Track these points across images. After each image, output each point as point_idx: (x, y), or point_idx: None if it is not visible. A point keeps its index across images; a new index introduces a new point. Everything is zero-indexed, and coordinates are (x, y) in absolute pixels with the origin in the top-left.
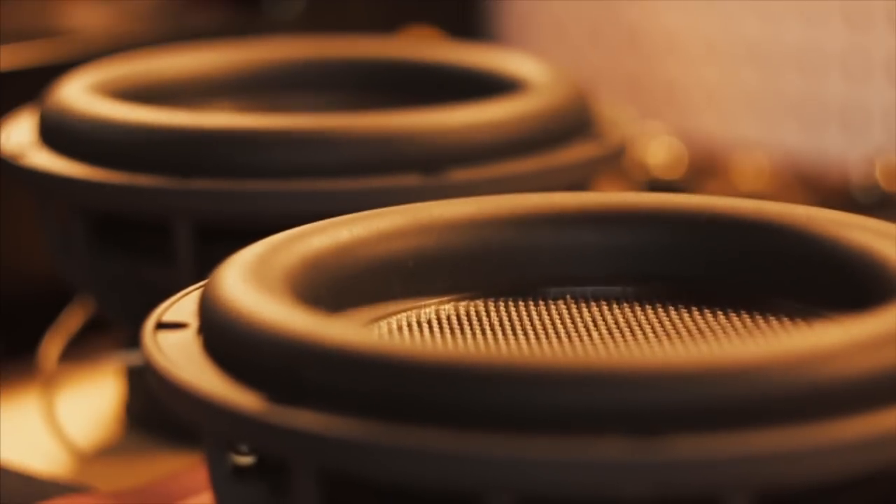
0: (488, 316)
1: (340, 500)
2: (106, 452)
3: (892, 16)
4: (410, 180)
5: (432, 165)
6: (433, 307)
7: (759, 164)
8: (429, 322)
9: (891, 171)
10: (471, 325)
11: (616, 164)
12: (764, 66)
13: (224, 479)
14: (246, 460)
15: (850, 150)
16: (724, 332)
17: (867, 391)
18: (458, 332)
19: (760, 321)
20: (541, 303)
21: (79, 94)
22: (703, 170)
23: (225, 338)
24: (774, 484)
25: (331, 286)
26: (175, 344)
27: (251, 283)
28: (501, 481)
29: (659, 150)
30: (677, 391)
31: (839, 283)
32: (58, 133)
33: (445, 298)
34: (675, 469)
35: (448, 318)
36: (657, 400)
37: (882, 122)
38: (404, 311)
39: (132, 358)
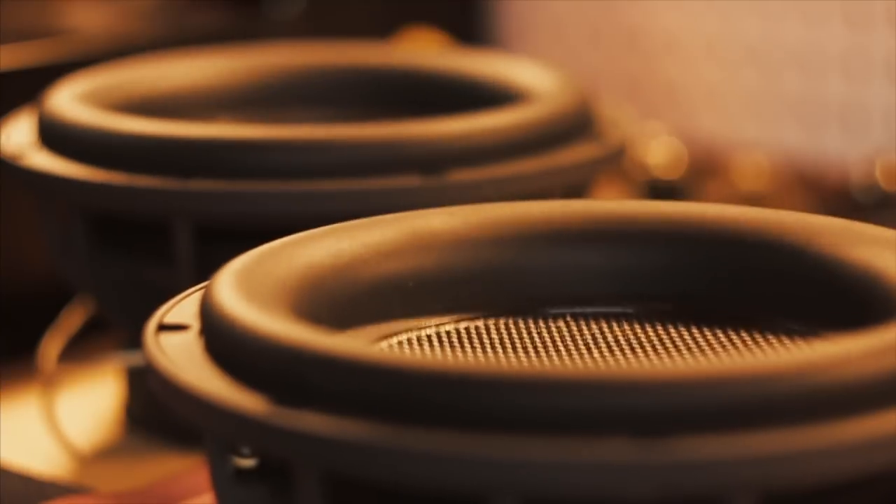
0: (489, 334)
1: (343, 503)
2: (106, 453)
3: (892, 16)
4: (410, 181)
5: (433, 166)
6: (433, 327)
7: (759, 164)
8: (429, 340)
9: (891, 171)
10: (471, 342)
11: (616, 164)
12: (764, 66)
13: (226, 482)
14: (248, 462)
15: (850, 150)
16: (724, 350)
17: (870, 392)
18: (458, 349)
19: (760, 340)
20: (541, 322)
21: (78, 95)
22: (703, 170)
23: (227, 340)
24: (779, 485)
25: (332, 306)
26: (177, 346)
27: (251, 298)
28: (506, 483)
29: (659, 150)
30: (681, 393)
31: (840, 301)
32: (58, 133)
33: (446, 318)
34: (680, 471)
35: (449, 336)
36: (661, 402)
37: (882, 122)
38: (405, 330)
39: (132, 358)
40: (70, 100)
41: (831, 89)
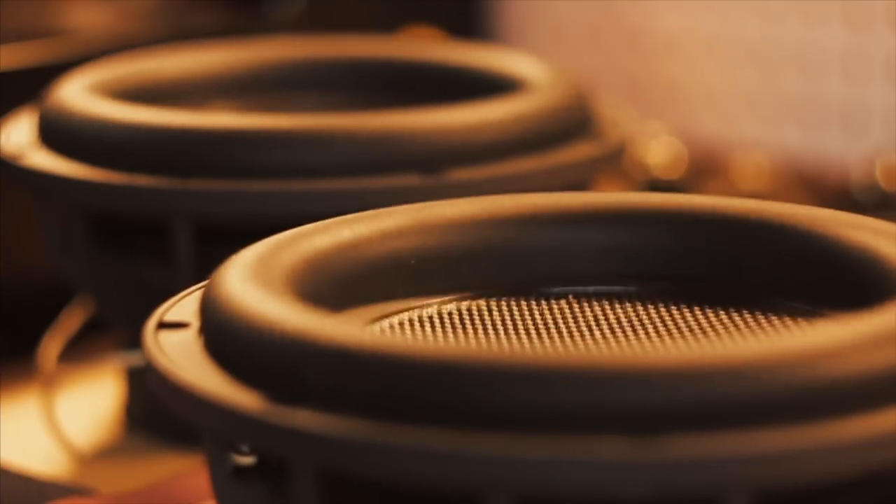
0: (490, 315)
1: (340, 500)
2: (106, 453)
3: (892, 16)
4: (410, 180)
5: (432, 165)
6: (435, 306)
7: (759, 164)
8: (430, 321)
9: (891, 171)
10: (472, 323)
11: (616, 163)
12: (764, 66)
13: (225, 479)
14: (247, 460)
15: (850, 150)
16: (725, 331)
17: (868, 390)
18: (459, 330)
19: (761, 320)
20: (542, 302)
21: (78, 94)
22: (703, 170)
23: (226, 338)
24: (774, 484)
25: (332, 285)
26: (176, 344)
27: (252, 282)
28: (501, 481)
29: (659, 150)
30: (677, 390)
31: (839, 282)
32: (57, 133)
33: (447, 298)
34: (675, 469)
35: (450, 316)
36: (657, 399)
37: (882, 122)
38: (406, 310)
39: (132, 358)
40: (70, 96)
41: (831, 89)
